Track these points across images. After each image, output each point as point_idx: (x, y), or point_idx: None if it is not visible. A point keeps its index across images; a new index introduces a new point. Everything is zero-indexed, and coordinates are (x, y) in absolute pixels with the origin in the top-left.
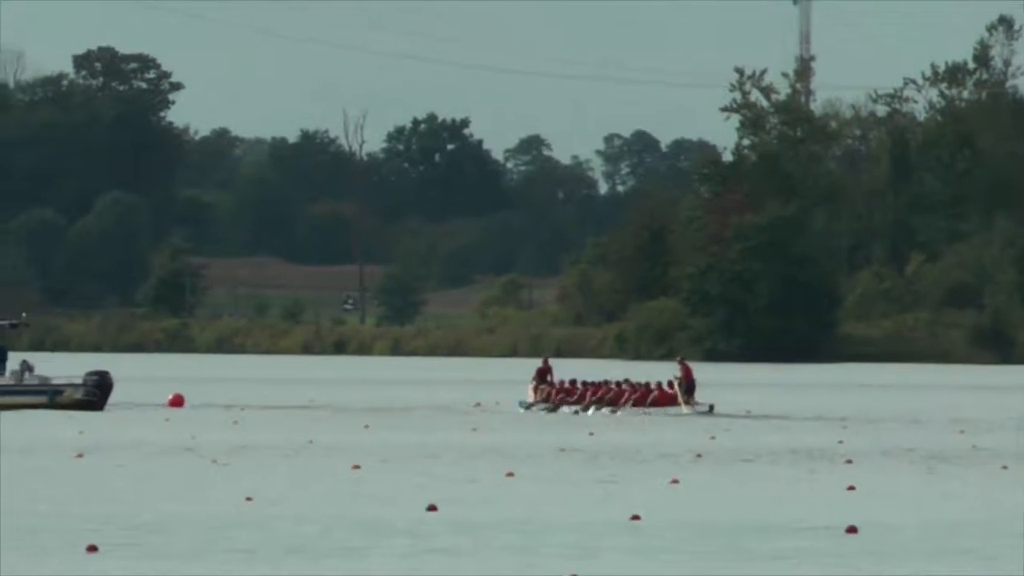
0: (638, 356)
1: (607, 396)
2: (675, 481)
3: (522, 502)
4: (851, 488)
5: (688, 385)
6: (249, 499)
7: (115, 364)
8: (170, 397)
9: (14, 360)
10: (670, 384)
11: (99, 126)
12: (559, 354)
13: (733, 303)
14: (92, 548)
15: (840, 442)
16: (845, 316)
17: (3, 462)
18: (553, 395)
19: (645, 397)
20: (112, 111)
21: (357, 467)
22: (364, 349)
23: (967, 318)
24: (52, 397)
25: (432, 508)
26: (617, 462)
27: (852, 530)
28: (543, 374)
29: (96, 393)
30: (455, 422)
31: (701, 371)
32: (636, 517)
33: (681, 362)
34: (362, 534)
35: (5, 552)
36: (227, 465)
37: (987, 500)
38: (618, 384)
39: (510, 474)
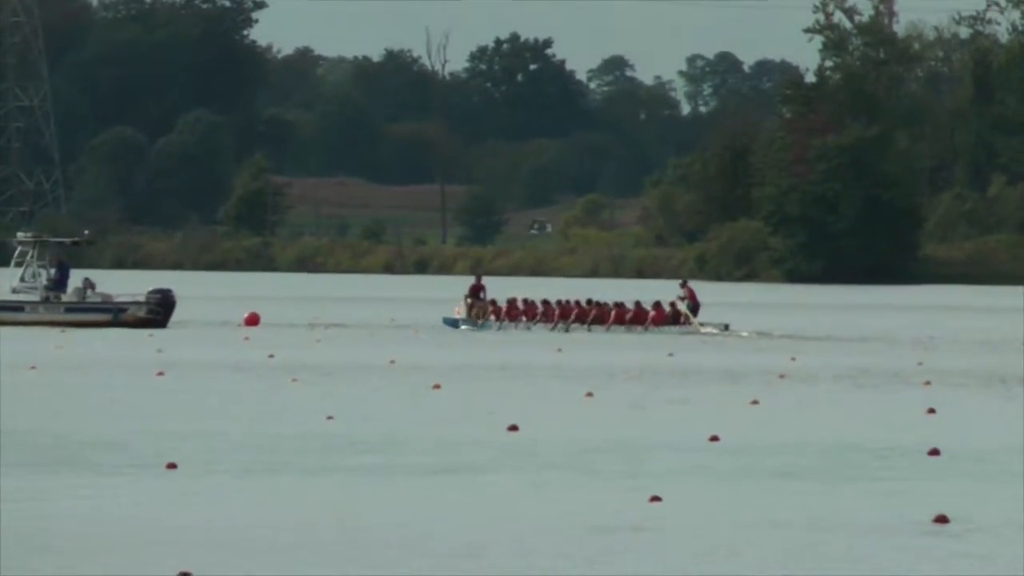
0: (719, 277)
1: (587, 316)
2: (755, 402)
3: (600, 423)
4: (931, 411)
5: (693, 307)
6: (330, 417)
7: (196, 282)
8: (246, 315)
9: (76, 278)
10: (672, 304)
11: (182, 44)
12: (640, 275)
13: (814, 224)
14: (172, 465)
15: (920, 364)
16: (927, 238)
17: (85, 379)
18: (502, 312)
19: (643, 316)
20: (195, 29)
21: (438, 387)
22: (445, 268)
23: None
24: (116, 315)
25: (513, 428)
26: (697, 383)
27: (934, 452)
28: (476, 291)
29: (159, 311)
30: (536, 341)
31: (782, 292)
32: (715, 438)
33: (684, 285)
34: (442, 452)
35: (90, 469)
36: (307, 383)
37: None
38: (593, 304)
39: (590, 394)
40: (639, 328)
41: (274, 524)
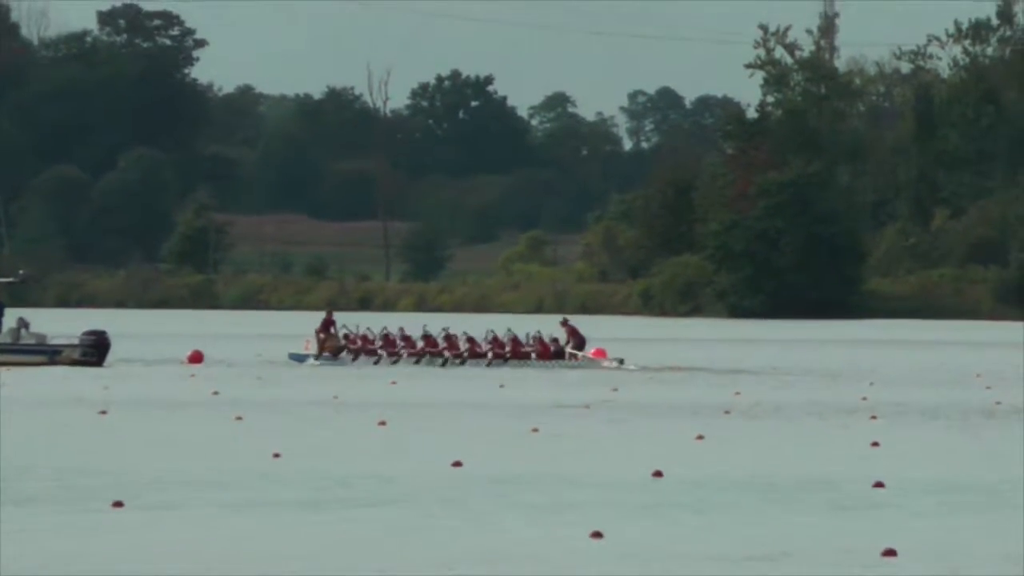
0: (663, 312)
1: (461, 351)
2: (700, 437)
3: (546, 458)
4: (875, 444)
5: (577, 342)
6: (277, 455)
7: (140, 320)
8: (189, 353)
9: (10, 317)
10: (554, 340)
11: (123, 83)
12: (584, 310)
13: (758, 260)
14: (118, 504)
15: (864, 399)
16: (870, 272)
17: (27, 418)
18: (359, 344)
19: (520, 351)
20: (136, 68)
21: (383, 423)
22: (389, 305)
23: (992, 274)
24: (51, 356)
25: (457, 464)
26: (641, 418)
27: (879, 484)
28: (328, 325)
29: (93, 352)
30: (486, 377)
31: (726, 328)
32: (659, 473)
33: (565, 323)
34: (385, 489)
35: (35, 506)
36: (251, 421)
37: (1011, 457)
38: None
39: (535, 429)
40: (523, 362)
41: (223, 560)
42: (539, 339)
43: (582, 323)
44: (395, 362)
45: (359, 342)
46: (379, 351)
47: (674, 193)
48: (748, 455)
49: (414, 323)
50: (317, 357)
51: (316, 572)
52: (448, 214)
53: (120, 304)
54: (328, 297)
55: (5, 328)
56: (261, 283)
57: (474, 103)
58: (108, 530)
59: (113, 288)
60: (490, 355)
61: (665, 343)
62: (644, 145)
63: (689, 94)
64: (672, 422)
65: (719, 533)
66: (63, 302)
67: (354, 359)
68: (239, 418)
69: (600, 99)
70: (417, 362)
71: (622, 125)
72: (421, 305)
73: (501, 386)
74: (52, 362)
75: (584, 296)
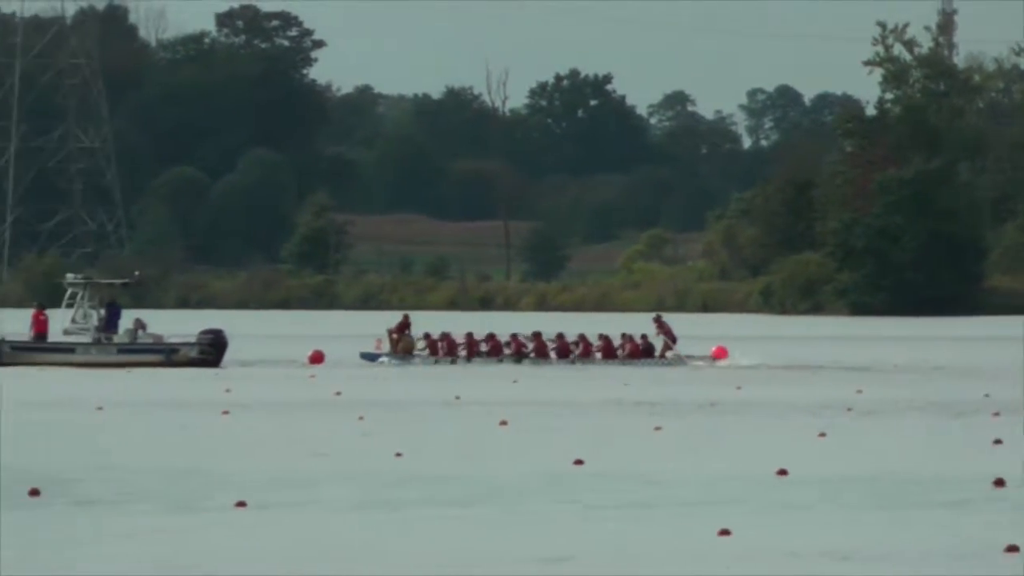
0: (783, 310)
1: (545, 349)
2: (822, 435)
3: (670, 456)
4: (998, 442)
5: (671, 341)
6: (399, 454)
7: (260, 321)
8: (310, 353)
9: (127, 319)
10: (643, 337)
11: (242, 84)
12: (705, 309)
13: (878, 257)
14: (241, 503)
15: (986, 396)
16: (991, 269)
17: (152, 419)
18: (438, 347)
19: (611, 349)
20: (255, 69)
21: (504, 423)
22: (510, 304)
23: None
24: (168, 356)
25: (579, 462)
26: (764, 416)
27: (1000, 482)
28: (403, 327)
29: (211, 351)
30: (605, 376)
31: (847, 325)
32: (783, 471)
33: (658, 319)
34: (506, 488)
35: (159, 507)
36: (373, 421)
37: None
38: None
39: (658, 428)
40: (613, 361)
41: (344, 560)
42: (629, 337)
43: (702, 322)
44: (469, 361)
45: (441, 343)
46: (460, 352)
47: (794, 191)
48: (870, 452)
49: (526, 323)
50: (390, 356)
51: (437, 570)
52: (568, 213)
53: (241, 305)
54: (449, 297)
55: (122, 329)
56: (381, 283)
57: (593, 102)
58: (230, 530)
59: (234, 289)
60: (575, 354)
61: (786, 341)
62: (763, 143)
63: (808, 91)
64: (795, 420)
65: (843, 530)
66: (183, 303)
67: (436, 360)
68: (361, 418)
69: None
70: (500, 361)
71: (741, 123)
72: (542, 305)
73: (625, 384)
74: (169, 362)
75: (704, 294)
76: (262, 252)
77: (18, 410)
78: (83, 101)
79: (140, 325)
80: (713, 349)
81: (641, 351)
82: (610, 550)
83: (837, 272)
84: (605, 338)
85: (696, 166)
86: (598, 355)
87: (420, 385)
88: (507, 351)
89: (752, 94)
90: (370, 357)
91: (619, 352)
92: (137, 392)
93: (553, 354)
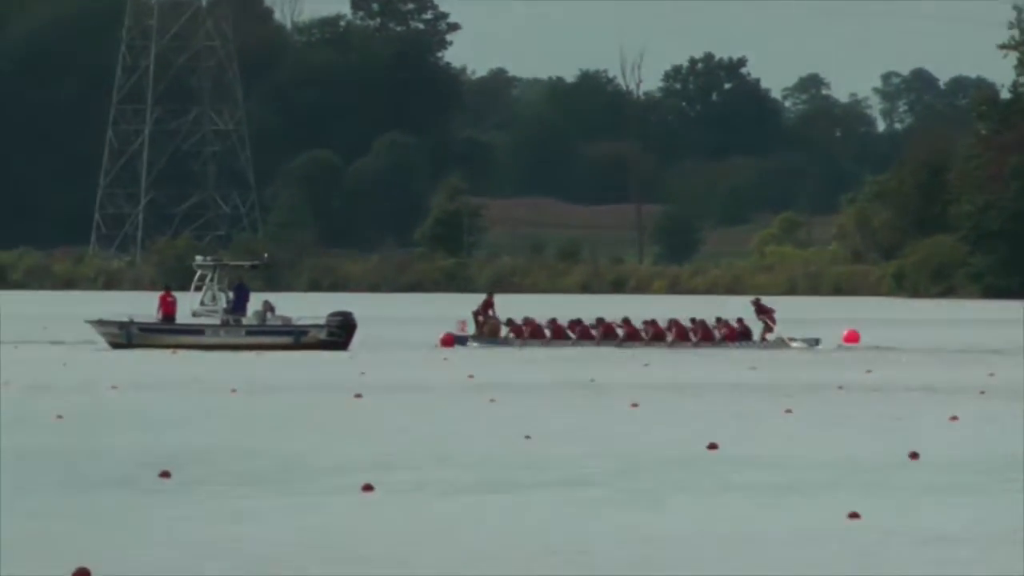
0: (916, 293)
1: (636, 335)
2: (954, 418)
3: (801, 439)
4: None
5: (770, 322)
6: (528, 437)
7: (392, 304)
8: (442, 336)
9: (256, 301)
10: (739, 321)
11: (376, 67)
12: (838, 292)
13: (1012, 240)
14: (368, 487)
15: None
16: None
17: (285, 402)
18: (523, 331)
19: (709, 334)
20: (389, 52)
21: (636, 405)
22: (642, 287)
23: None
24: (297, 338)
25: (712, 446)
26: (895, 399)
27: None
28: (487, 308)
29: (340, 334)
30: (732, 359)
31: (981, 309)
32: (915, 455)
33: (756, 303)
34: (638, 471)
35: (285, 490)
36: (505, 403)
37: None
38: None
39: (788, 411)
40: (707, 345)
41: (474, 544)
42: (724, 322)
43: (835, 304)
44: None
45: (525, 327)
46: (546, 333)
47: (928, 174)
48: (1003, 436)
49: (658, 307)
50: (475, 339)
51: (566, 551)
52: (701, 196)
53: (373, 288)
54: (581, 280)
55: (251, 311)
56: (514, 266)
57: (727, 85)
58: (357, 513)
59: (366, 272)
60: (670, 338)
61: (918, 324)
62: (897, 126)
63: (943, 75)
64: (927, 403)
65: (976, 514)
66: (315, 286)
67: (522, 344)
68: (492, 400)
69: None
70: (597, 345)
71: (876, 106)
72: (674, 288)
73: (752, 368)
74: (298, 344)
75: (837, 277)
76: (395, 235)
77: (150, 392)
78: (217, 84)
79: (269, 307)
80: (845, 332)
81: (738, 334)
82: (739, 533)
83: (970, 255)
84: (701, 322)
85: (830, 149)
86: (693, 338)
87: (553, 368)
88: (594, 333)
89: (887, 77)
90: (460, 341)
91: (715, 335)
92: (270, 375)
93: (644, 337)
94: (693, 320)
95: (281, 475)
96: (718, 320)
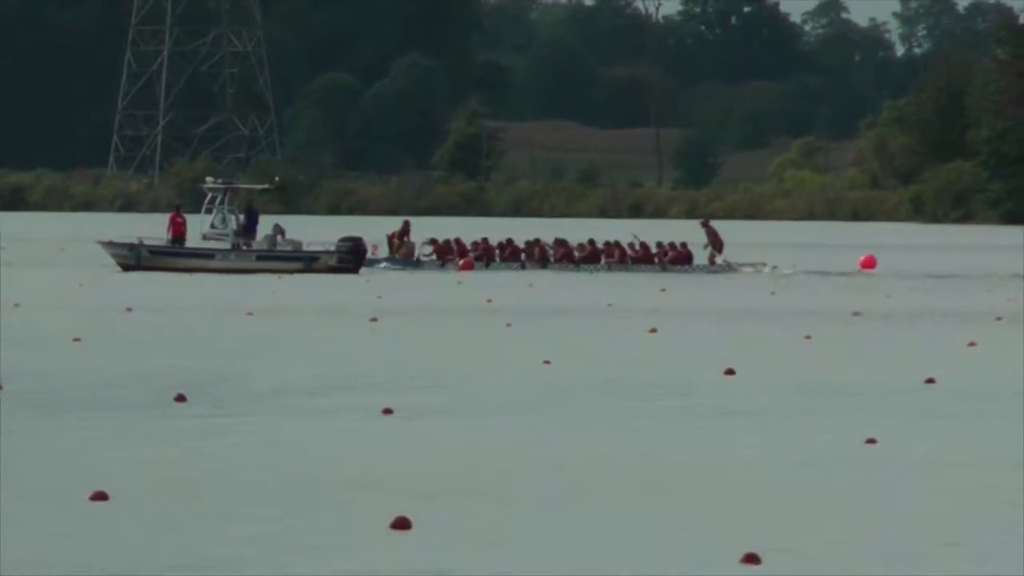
0: (935, 219)
1: (569, 256)
2: (972, 344)
3: (819, 365)
4: None
5: (716, 245)
6: (547, 362)
7: (413, 228)
8: (461, 263)
9: (266, 224)
10: (683, 245)
11: None
12: (855, 217)
13: None
14: (387, 411)
15: None
16: None
17: (301, 325)
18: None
19: (648, 256)
20: None
21: (654, 330)
22: (660, 212)
23: None
24: (307, 263)
25: (729, 372)
26: (912, 325)
27: None
28: (404, 232)
29: (350, 259)
30: (752, 285)
31: (999, 234)
32: (931, 380)
33: (706, 223)
34: (660, 397)
35: (307, 413)
36: (521, 329)
37: None
38: (586, 244)
39: (808, 337)
40: (653, 267)
41: (492, 467)
42: (671, 245)
43: (853, 230)
44: (486, 267)
45: (451, 247)
46: (470, 255)
47: (946, 99)
48: (1021, 361)
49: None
50: (390, 261)
51: (589, 477)
52: (719, 121)
53: (392, 212)
54: (599, 204)
55: (261, 235)
56: (532, 190)
57: (746, 9)
58: (375, 437)
59: (384, 195)
60: (604, 260)
61: (936, 250)
62: (916, 51)
63: (962, 0)
64: (944, 329)
65: (993, 440)
66: (334, 209)
67: (442, 265)
68: (509, 325)
69: (872, 5)
70: (522, 267)
71: (894, 31)
72: (692, 212)
73: (772, 293)
74: (309, 269)
75: (855, 203)
76: (414, 158)
77: (164, 315)
78: (236, 5)
79: (279, 231)
80: (862, 258)
81: (683, 258)
82: (755, 456)
83: (989, 181)
84: (643, 245)
85: (849, 74)
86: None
87: (571, 293)
88: (524, 257)
89: (905, 2)
90: (369, 263)
91: (656, 259)
92: (286, 298)
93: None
94: (632, 244)
95: (298, 399)
96: (659, 245)
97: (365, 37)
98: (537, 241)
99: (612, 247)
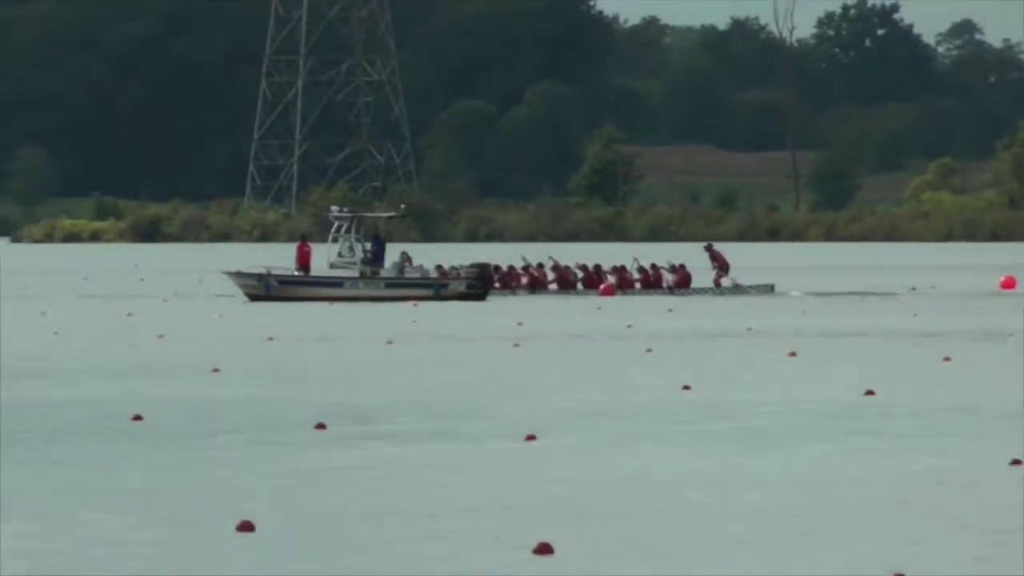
0: None
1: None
2: None
3: (960, 387)
4: None
5: (722, 268)
6: (686, 387)
7: (549, 253)
8: (601, 287)
9: (393, 252)
10: (681, 266)
11: (529, 16)
12: (995, 238)
13: None
14: (530, 437)
15: None
16: None
17: (441, 352)
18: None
19: (659, 280)
20: (542, 1)
21: (793, 354)
22: (798, 235)
23: None
24: (437, 290)
25: (870, 392)
26: None
27: None
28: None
29: (479, 285)
30: (892, 307)
31: None
32: None
33: (709, 248)
34: (800, 419)
35: (444, 437)
36: (662, 354)
37: None
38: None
39: (947, 359)
40: (659, 291)
41: (634, 492)
42: (673, 267)
43: (992, 251)
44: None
45: (518, 276)
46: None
47: None
48: None
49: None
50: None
51: (736, 500)
52: (855, 143)
53: (530, 238)
54: (738, 228)
55: (388, 263)
56: (670, 215)
57: (880, 31)
58: (518, 463)
59: (522, 222)
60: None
61: None
62: None
63: None
64: None
65: None
66: (472, 236)
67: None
68: (649, 351)
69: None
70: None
71: None
72: (830, 235)
73: (914, 315)
74: (438, 296)
75: (994, 224)
76: (550, 184)
77: (304, 345)
78: (370, 35)
79: (407, 259)
80: (1001, 279)
81: (684, 280)
82: (896, 478)
83: None
84: (642, 269)
85: (984, 95)
86: (637, 285)
87: (710, 317)
88: (524, 282)
89: None
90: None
91: (665, 283)
92: (424, 325)
93: (580, 285)
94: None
95: (438, 425)
96: (652, 266)
97: (500, 64)
98: (527, 268)
99: (618, 271)
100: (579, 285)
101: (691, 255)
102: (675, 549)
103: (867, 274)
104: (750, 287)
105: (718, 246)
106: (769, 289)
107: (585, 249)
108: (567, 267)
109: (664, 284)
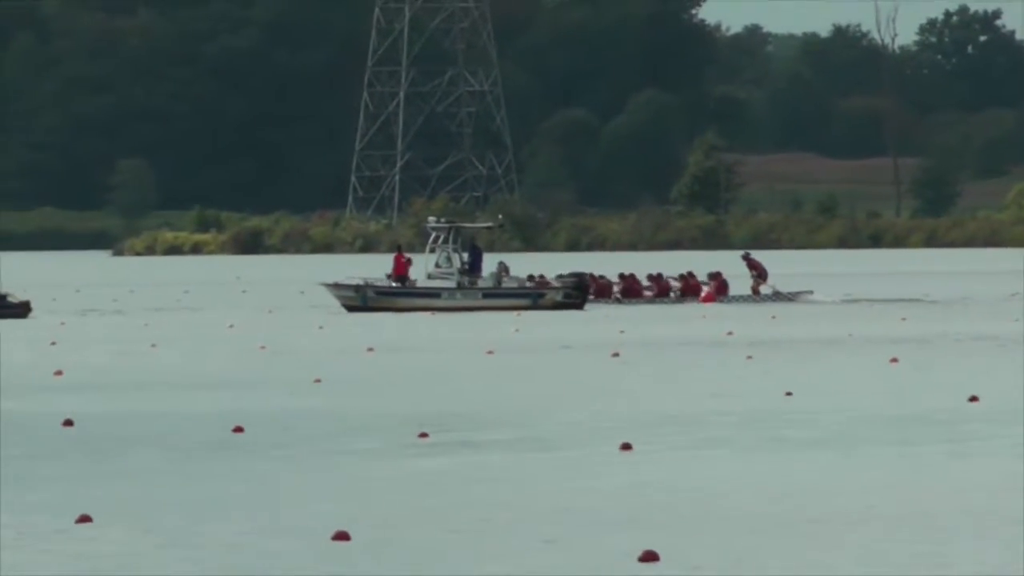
0: None
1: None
2: None
3: None
4: None
5: (761, 276)
6: (789, 393)
7: (651, 261)
8: (703, 294)
9: (491, 262)
10: (718, 274)
11: (631, 26)
12: None
13: None
14: (626, 446)
15: None
16: None
17: (540, 361)
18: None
19: (666, 290)
20: (644, 10)
21: (895, 360)
22: (899, 242)
23: None
24: (534, 300)
25: (973, 399)
26: None
27: None
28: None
29: (576, 295)
30: (992, 313)
31: None
32: None
33: (747, 257)
34: (901, 427)
35: (544, 446)
36: (762, 360)
37: None
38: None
39: None
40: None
41: (736, 499)
42: (714, 275)
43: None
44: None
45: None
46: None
47: None
48: None
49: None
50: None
51: (826, 510)
52: (957, 149)
53: (632, 247)
54: (839, 235)
55: (486, 272)
56: (772, 222)
57: (982, 38)
58: (611, 470)
59: (623, 231)
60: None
61: None
62: None
63: None
64: None
65: None
66: (574, 246)
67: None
68: (750, 357)
69: None
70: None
71: None
72: (931, 241)
73: (1016, 320)
74: (535, 306)
75: None
76: (652, 193)
77: (405, 355)
78: (472, 45)
79: (504, 269)
80: None
81: (722, 288)
82: (996, 488)
83: None
84: (690, 275)
85: None
86: (674, 295)
87: (811, 324)
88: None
89: None
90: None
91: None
92: (524, 335)
93: (648, 293)
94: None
95: (538, 434)
96: (686, 274)
97: (601, 74)
98: (593, 276)
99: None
100: (672, 293)
101: (790, 262)
102: (781, 556)
103: (968, 280)
104: (790, 293)
105: (755, 254)
106: (808, 294)
107: (687, 257)
108: (659, 274)
109: (700, 293)
